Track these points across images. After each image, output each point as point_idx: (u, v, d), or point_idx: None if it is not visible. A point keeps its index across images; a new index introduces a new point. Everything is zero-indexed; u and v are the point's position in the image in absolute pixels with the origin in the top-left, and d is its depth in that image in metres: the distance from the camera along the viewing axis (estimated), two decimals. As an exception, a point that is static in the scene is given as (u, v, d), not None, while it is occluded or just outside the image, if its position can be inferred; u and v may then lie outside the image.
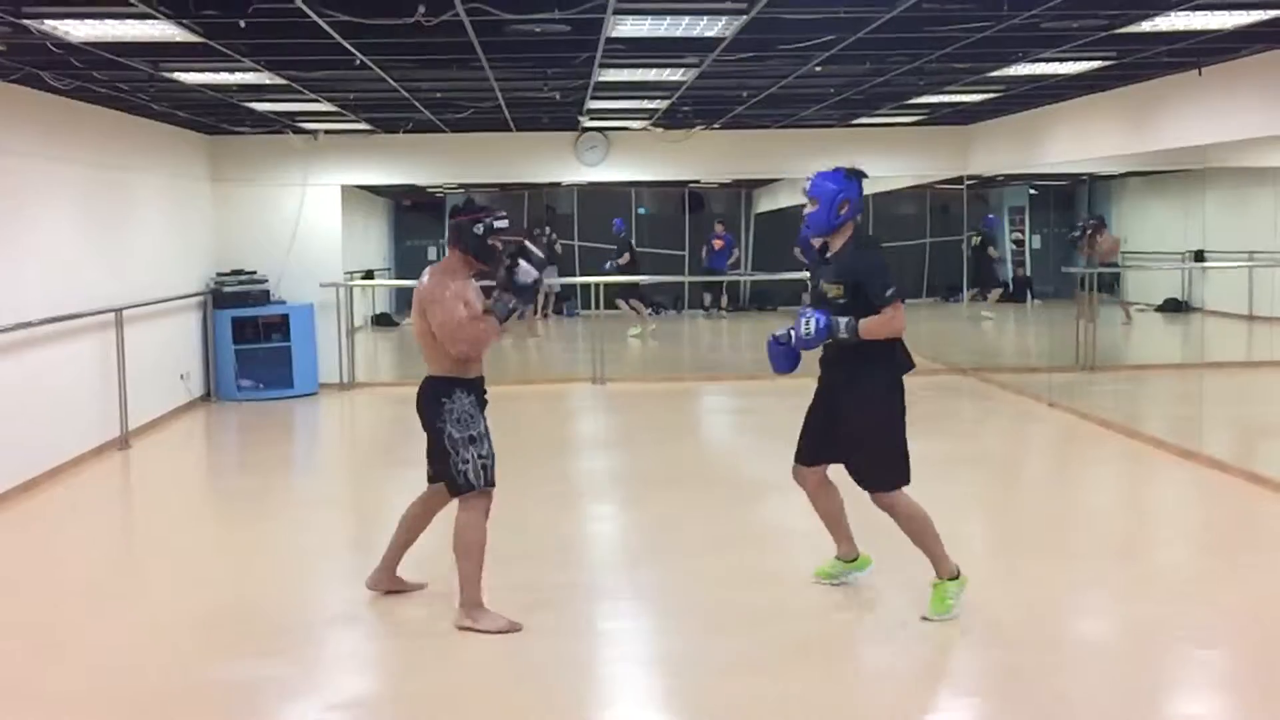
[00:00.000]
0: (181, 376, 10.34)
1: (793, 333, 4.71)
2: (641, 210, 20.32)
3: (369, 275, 18.21)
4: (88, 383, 8.36)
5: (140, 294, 9.22)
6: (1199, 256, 12.63)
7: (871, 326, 4.56)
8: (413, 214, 21.75)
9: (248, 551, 6.16)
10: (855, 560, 5.17)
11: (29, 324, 7.33)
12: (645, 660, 4.57)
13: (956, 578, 4.76)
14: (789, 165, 12.53)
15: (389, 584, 5.17)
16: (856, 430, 4.69)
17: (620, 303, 16.15)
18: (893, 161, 12.21)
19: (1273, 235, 11.87)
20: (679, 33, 6.17)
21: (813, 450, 4.90)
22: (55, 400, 7.81)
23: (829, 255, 4.80)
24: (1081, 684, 4.18)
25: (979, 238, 16.75)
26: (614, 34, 6.14)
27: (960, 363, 12.26)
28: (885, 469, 4.70)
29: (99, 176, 8.77)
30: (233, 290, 10.97)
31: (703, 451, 9.06)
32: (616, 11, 5.56)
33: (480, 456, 4.77)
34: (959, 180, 12.88)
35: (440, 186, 18.54)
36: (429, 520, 5.10)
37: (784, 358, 4.84)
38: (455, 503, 4.86)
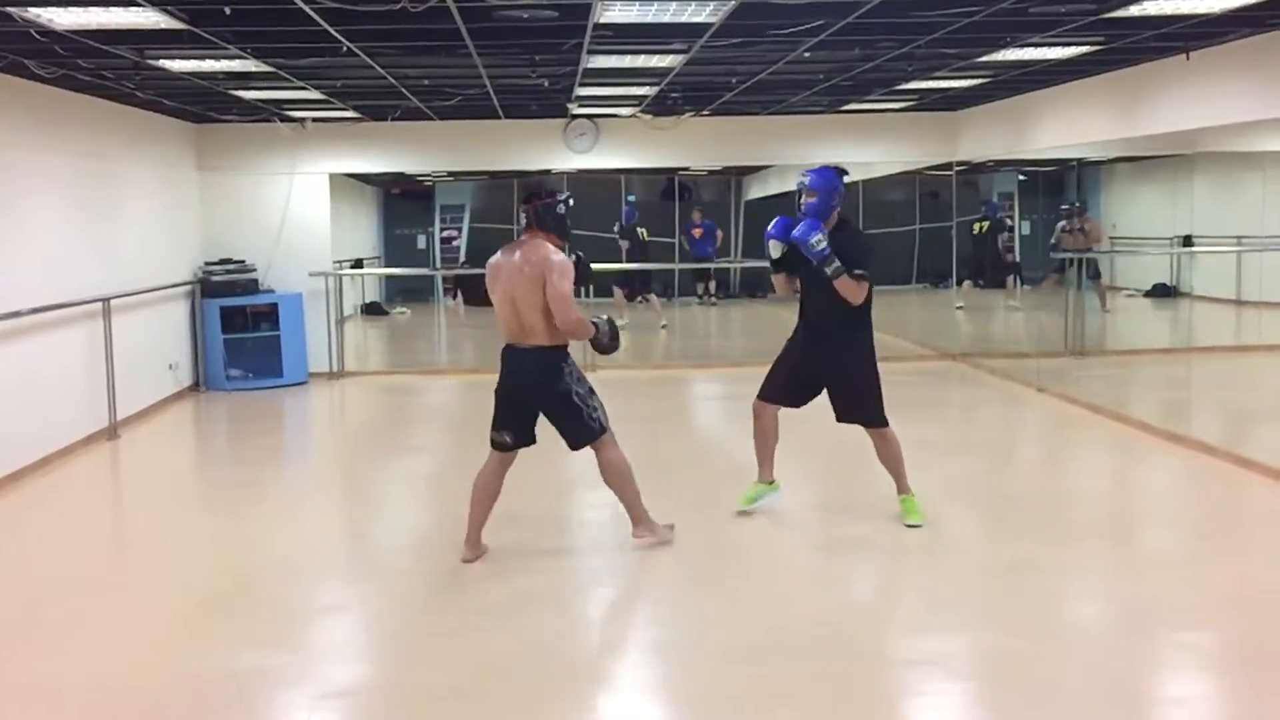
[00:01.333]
0: (170, 366, 10.31)
1: (803, 235, 5.55)
2: (631, 198, 20.30)
3: (358, 264, 18.16)
4: (76, 373, 8.33)
5: (128, 283, 9.18)
6: (1187, 241, 12.67)
7: (845, 285, 5.56)
8: (402, 202, 21.70)
9: (238, 541, 6.15)
10: (772, 483, 6.14)
11: (16, 314, 7.30)
12: (640, 647, 4.58)
13: (912, 493, 5.93)
14: (778, 152, 12.53)
15: (478, 550, 5.48)
16: (858, 382, 5.79)
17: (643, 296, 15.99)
18: (882, 147, 12.20)
19: (1260, 220, 11.91)
20: (667, 18, 6.16)
21: (779, 393, 5.96)
22: (43, 390, 7.78)
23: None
24: (1070, 667, 4.20)
25: (986, 224, 15.90)
26: (602, 20, 6.12)
27: (949, 348, 12.29)
28: (880, 409, 5.84)
29: (85, 166, 8.73)
30: (221, 279, 10.93)
31: (694, 438, 9.07)
32: (604, -3, 5.55)
33: (601, 405, 5.39)
34: (948, 166, 12.88)
35: (429, 174, 18.51)
36: (501, 484, 5.51)
37: (780, 228, 5.75)
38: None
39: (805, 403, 6.00)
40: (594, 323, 5.36)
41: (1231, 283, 12.38)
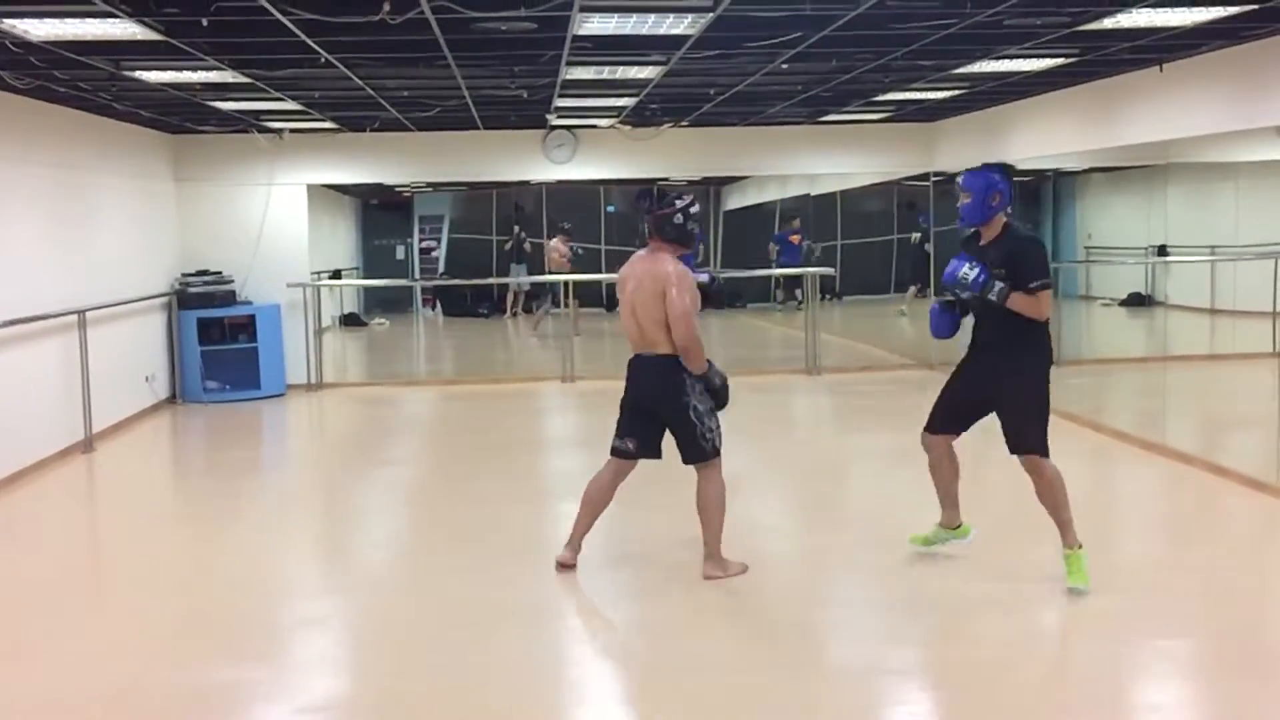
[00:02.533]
0: (146, 378, 10.24)
1: (949, 277, 5.08)
2: (610, 209, 20.31)
3: (336, 275, 18.10)
4: (50, 385, 8.26)
5: (104, 295, 9.12)
6: (1162, 251, 12.76)
7: (1021, 302, 4.95)
8: (380, 213, 21.64)
9: (215, 554, 6.11)
10: (958, 528, 5.60)
11: (-10, 326, 7.25)
12: (619, 658, 4.57)
13: (1081, 547, 5.11)
14: (757, 162, 12.58)
15: (577, 554, 5.43)
16: (1024, 404, 5.06)
17: None
18: (859, 158, 12.26)
19: (1234, 230, 12.01)
20: (646, 30, 6.17)
21: (947, 421, 5.40)
22: (17, 403, 7.72)
23: (982, 243, 5.16)
24: (1046, 674, 4.22)
25: (918, 234, 16.28)
26: (581, 31, 6.13)
27: (928, 358, 12.34)
28: (1043, 435, 5.09)
29: (60, 177, 8.67)
30: (198, 291, 10.87)
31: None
32: (583, 9, 5.56)
33: (718, 426, 5.20)
34: (925, 177, 12.95)
35: (407, 185, 18.47)
36: (614, 493, 5.42)
37: (947, 323, 5.33)
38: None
39: (969, 426, 5.42)
40: (710, 362, 5.20)
41: (1206, 292, 12.47)
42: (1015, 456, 5.15)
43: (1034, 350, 5.08)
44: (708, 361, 5.19)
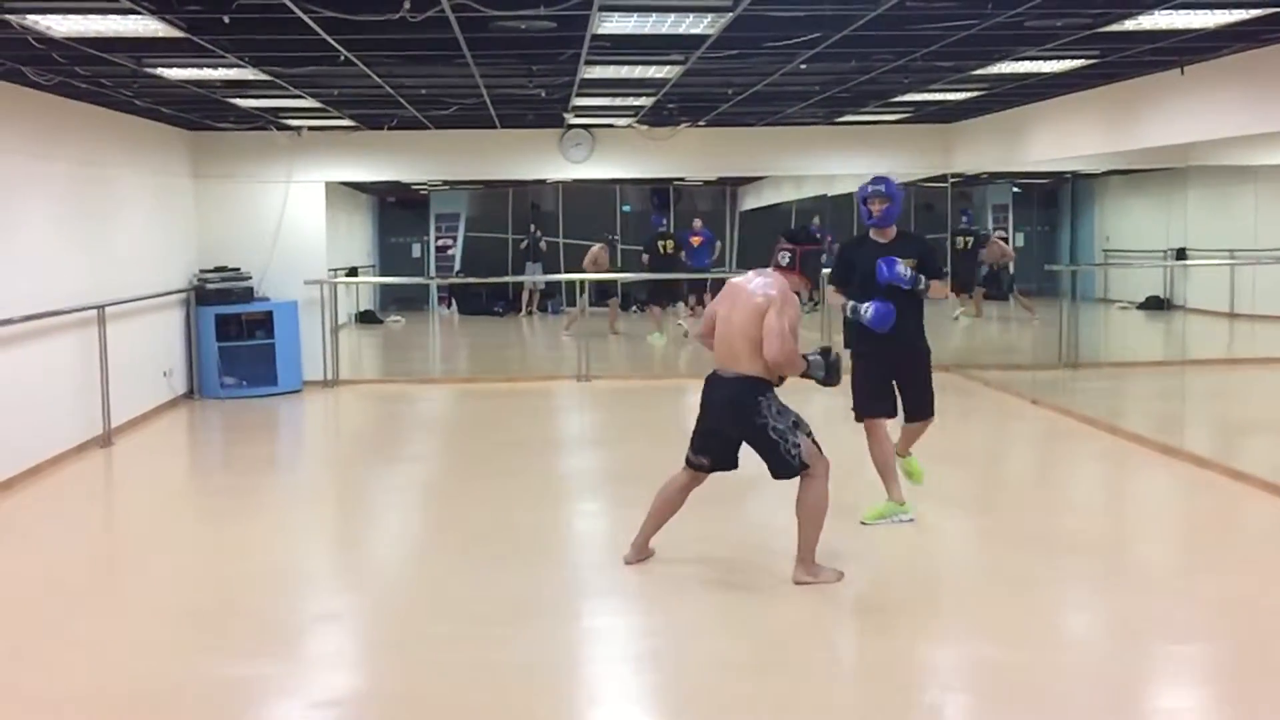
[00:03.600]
0: (164, 374, 10.29)
1: (892, 275, 5.84)
2: (626, 208, 20.31)
3: (353, 272, 18.17)
4: (70, 380, 8.31)
5: (123, 291, 9.17)
6: (1181, 254, 12.70)
7: (938, 288, 6.07)
8: (397, 210, 21.71)
9: (231, 550, 6.14)
10: (904, 503, 6.22)
11: (10, 321, 7.29)
12: (631, 658, 4.57)
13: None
14: (774, 163, 12.56)
15: (643, 554, 5.51)
16: (929, 379, 6.22)
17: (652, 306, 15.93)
18: (877, 159, 12.20)
19: (1253, 233, 11.95)
20: (664, 30, 6.17)
21: (892, 406, 6.18)
22: (37, 398, 7.77)
23: (884, 242, 6.08)
24: (1064, 678, 4.20)
25: (970, 239, 15.57)
26: (599, 31, 6.14)
27: (943, 360, 12.30)
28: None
29: (81, 173, 8.72)
30: (216, 287, 10.92)
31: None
32: (602, 8, 5.56)
33: (809, 435, 5.20)
34: (943, 178, 12.91)
35: (424, 183, 18.52)
36: (685, 500, 5.47)
37: (888, 315, 5.85)
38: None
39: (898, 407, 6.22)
40: (805, 357, 5.23)
41: (1225, 296, 12.41)
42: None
43: (924, 334, 6.20)
44: (804, 359, 5.21)
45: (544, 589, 5.27)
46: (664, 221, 17.02)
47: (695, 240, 18.80)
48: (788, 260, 5.23)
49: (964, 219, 16.42)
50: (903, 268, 5.83)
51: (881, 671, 4.37)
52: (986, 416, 9.91)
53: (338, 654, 4.70)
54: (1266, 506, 6.54)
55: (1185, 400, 9.72)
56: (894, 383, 6.12)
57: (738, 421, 5.16)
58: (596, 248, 16.34)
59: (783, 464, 5.13)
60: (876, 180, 6.08)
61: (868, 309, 5.86)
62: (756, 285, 5.16)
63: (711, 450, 5.32)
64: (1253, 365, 11.66)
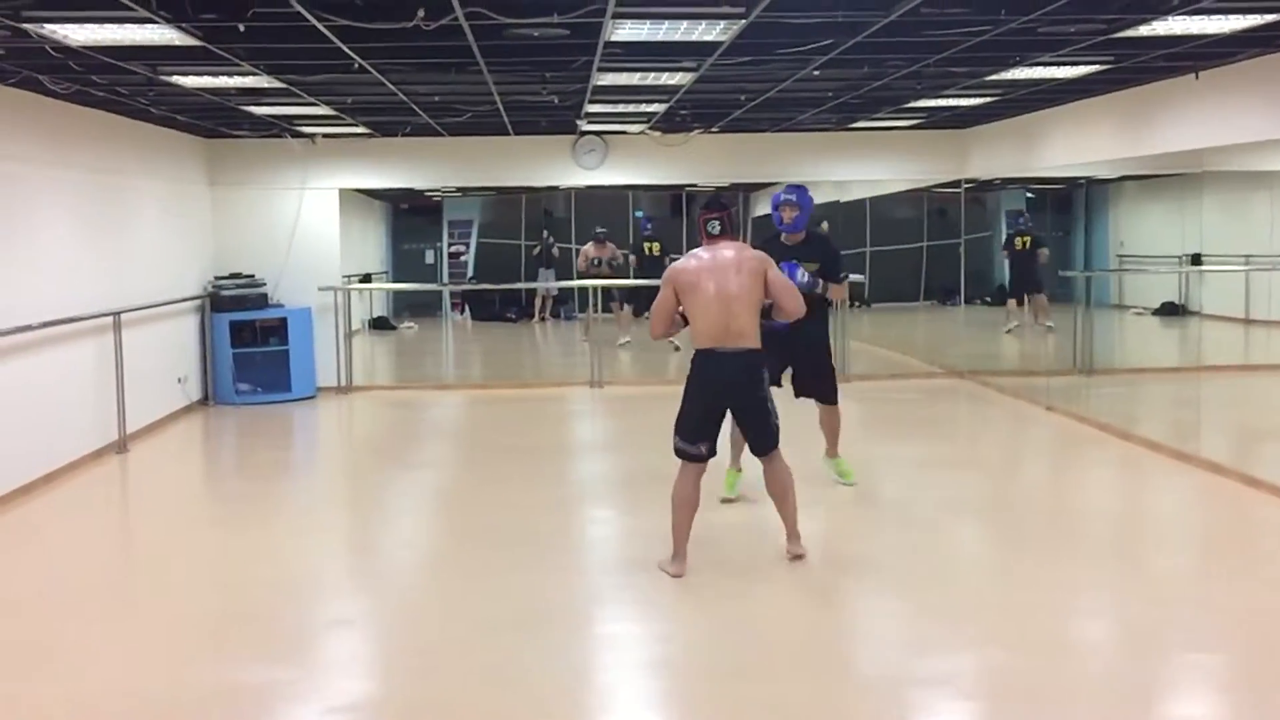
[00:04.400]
0: (179, 380, 10.34)
1: (792, 279, 6.12)
2: (639, 214, 20.33)
3: (367, 278, 18.21)
4: (86, 386, 8.35)
5: (138, 298, 9.22)
6: (1196, 260, 12.65)
7: (836, 290, 6.79)
8: (410, 217, 21.76)
9: (246, 555, 6.16)
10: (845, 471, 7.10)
11: (28, 328, 7.33)
12: (643, 663, 4.57)
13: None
14: (787, 169, 12.52)
15: (685, 562, 5.48)
16: (831, 366, 7.04)
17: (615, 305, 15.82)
18: (890, 165, 12.22)
19: (1269, 239, 11.90)
20: (678, 37, 6.18)
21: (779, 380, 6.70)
22: (53, 404, 7.81)
23: (790, 245, 6.76)
24: (1078, 686, 4.19)
25: (1029, 239, 14.86)
26: (613, 38, 6.15)
27: (957, 366, 12.28)
28: (836, 387, 7.05)
29: (97, 180, 8.77)
30: (231, 294, 10.97)
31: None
32: (615, 16, 5.57)
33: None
34: (957, 184, 12.89)
35: (438, 190, 18.56)
36: (700, 495, 5.53)
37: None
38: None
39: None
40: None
41: (1240, 301, 12.36)
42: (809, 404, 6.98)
43: (826, 318, 7.09)
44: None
45: (558, 595, 5.28)
46: (649, 225, 17.05)
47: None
48: (719, 228, 5.46)
49: (1020, 220, 15.73)
50: (802, 272, 6.40)
51: (894, 677, 4.36)
52: (1001, 423, 9.88)
53: (352, 659, 4.71)
54: (1283, 513, 6.51)
55: (1200, 406, 9.67)
56: (791, 363, 6.80)
57: (749, 394, 5.32)
58: (587, 245, 16.29)
59: (770, 437, 5.40)
60: (790, 189, 6.76)
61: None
62: (734, 254, 5.34)
63: (710, 435, 5.37)
64: (1268, 371, 11.60)
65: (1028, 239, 14.96)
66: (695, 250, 5.48)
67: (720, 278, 5.27)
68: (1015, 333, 15.00)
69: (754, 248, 6.19)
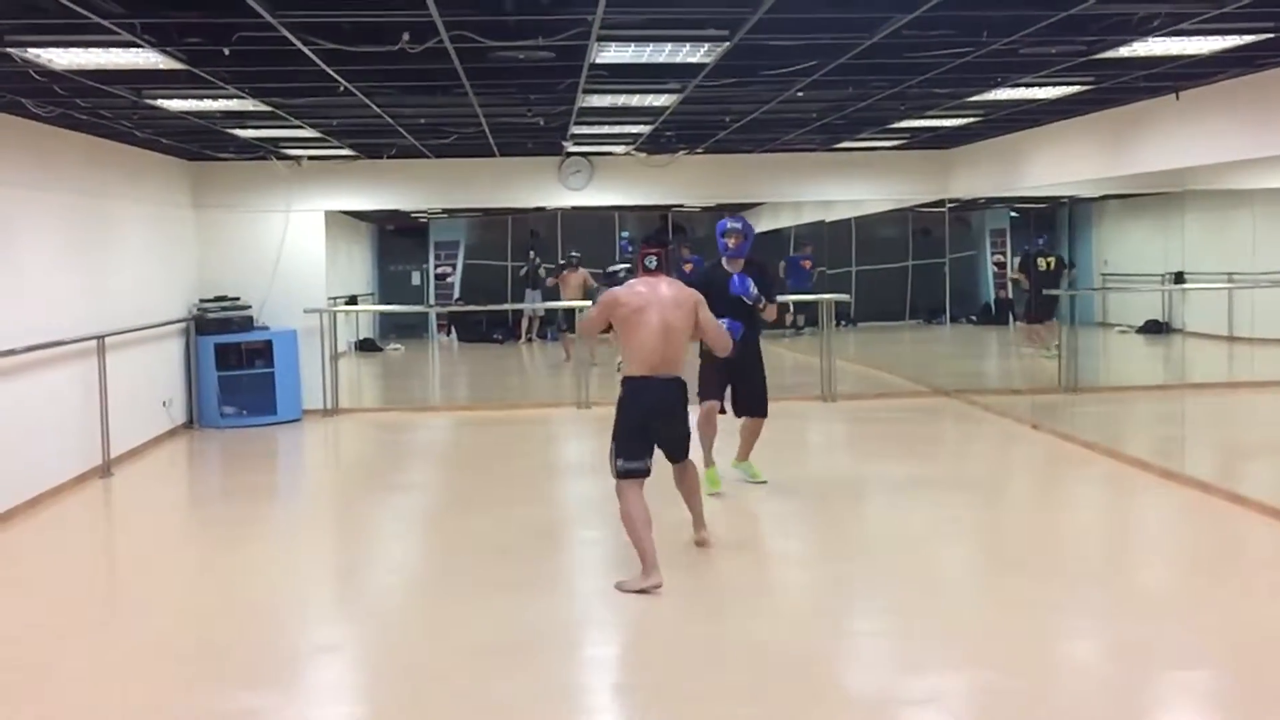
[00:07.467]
0: (164, 403, 10.29)
1: (743, 288, 7.04)
2: (624, 235, 20.37)
3: (353, 300, 18.19)
4: (69, 410, 8.30)
5: (122, 321, 9.18)
6: (1179, 278, 12.72)
7: (771, 310, 7.23)
8: (396, 239, 21.76)
9: (231, 580, 6.12)
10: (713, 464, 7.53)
11: (11, 352, 7.29)
12: (631, 688, 4.55)
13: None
14: (771, 189, 12.60)
15: (659, 573, 5.62)
16: (761, 380, 7.49)
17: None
18: (874, 185, 12.28)
19: (1251, 257, 11.98)
20: (662, 59, 6.21)
21: (722, 396, 7.42)
22: (36, 428, 7.76)
23: (734, 271, 7.21)
24: (1066, 705, 4.18)
25: (1053, 259, 14.19)
26: (598, 60, 6.18)
27: (942, 385, 12.31)
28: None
29: (81, 203, 8.75)
30: (216, 317, 10.94)
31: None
32: (600, 39, 5.60)
33: None
34: (940, 203, 12.96)
35: (424, 212, 18.57)
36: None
37: (737, 329, 6.37)
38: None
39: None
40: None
41: (1223, 319, 12.43)
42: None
43: (759, 345, 7.43)
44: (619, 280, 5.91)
45: (545, 618, 5.25)
46: (630, 247, 17.10)
47: (686, 267, 18.82)
48: (656, 264, 5.75)
49: (1039, 241, 15.41)
50: (752, 285, 7.07)
51: (882, 697, 4.35)
52: (987, 441, 9.90)
53: (338, 684, 4.68)
54: (1268, 531, 6.52)
55: (1185, 424, 9.71)
56: (730, 383, 7.36)
57: (680, 416, 5.78)
58: (566, 272, 16.32)
59: (687, 449, 5.93)
60: (735, 219, 7.36)
61: (724, 322, 6.45)
62: (671, 291, 5.71)
63: (649, 451, 5.69)
64: (1252, 389, 11.66)
65: (1051, 260, 14.23)
66: (632, 282, 5.76)
67: (661, 312, 5.61)
68: (1045, 356, 13.76)
69: (700, 272, 6.69)
